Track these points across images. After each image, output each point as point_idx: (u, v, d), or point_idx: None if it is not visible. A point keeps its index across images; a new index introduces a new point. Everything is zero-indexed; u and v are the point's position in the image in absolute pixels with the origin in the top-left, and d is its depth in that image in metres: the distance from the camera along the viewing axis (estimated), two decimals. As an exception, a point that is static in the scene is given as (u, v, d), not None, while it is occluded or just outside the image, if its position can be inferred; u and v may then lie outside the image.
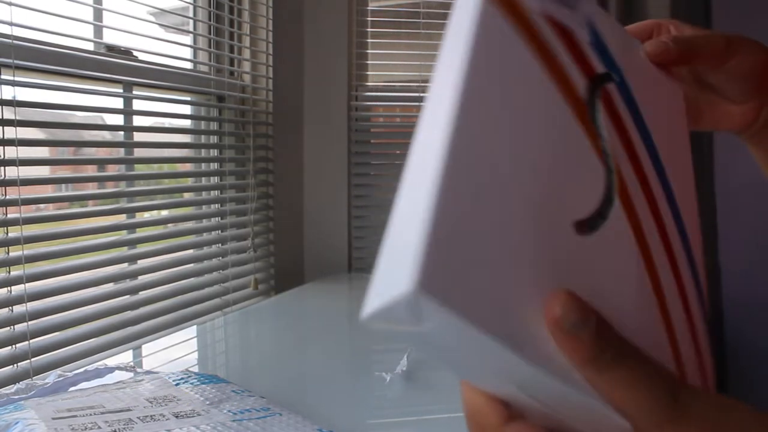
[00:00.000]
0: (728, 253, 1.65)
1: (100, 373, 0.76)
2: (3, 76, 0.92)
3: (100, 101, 1.16)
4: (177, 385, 0.69)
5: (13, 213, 0.94)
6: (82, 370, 0.76)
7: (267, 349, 1.05)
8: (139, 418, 0.59)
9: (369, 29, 1.71)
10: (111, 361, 0.93)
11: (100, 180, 1.24)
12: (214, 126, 1.47)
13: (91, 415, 0.59)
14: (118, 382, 0.72)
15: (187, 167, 1.48)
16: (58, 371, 0.75)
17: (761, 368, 1.61)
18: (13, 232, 0.94)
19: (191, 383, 0.69)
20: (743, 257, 1.64)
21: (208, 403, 0.63)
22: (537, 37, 0.26)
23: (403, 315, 0.20)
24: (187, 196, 1.41)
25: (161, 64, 1.27)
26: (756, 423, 0.25)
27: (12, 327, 0.94)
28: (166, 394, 0.66)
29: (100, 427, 0.56)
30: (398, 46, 1.78)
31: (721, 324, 1.68)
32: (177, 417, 0.59)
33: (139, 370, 0.77)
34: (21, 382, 0.70)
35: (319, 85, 1.68)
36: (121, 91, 1.19)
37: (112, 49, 1.17)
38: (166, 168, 1.41)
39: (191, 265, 1.35)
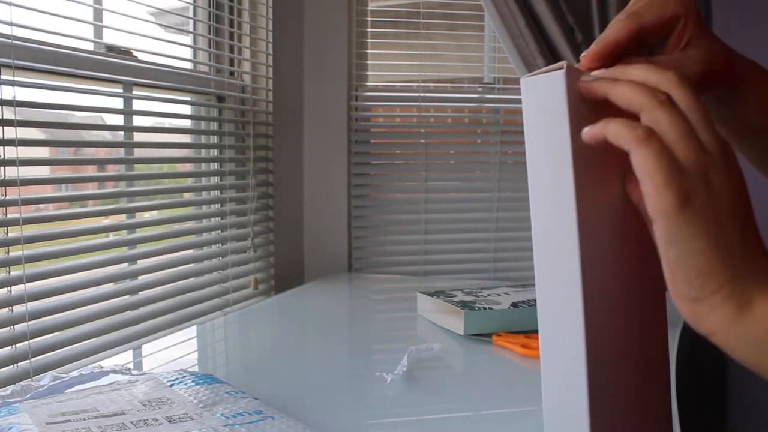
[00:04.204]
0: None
1: (95, 376, 0.75)
2: (3, 76, 0.92)
3: (100, 101, 1.16)
4: (171, 386, 0.69)
5: (13, 213, 0.94)
6: (77, 372, 0.75)
7: (267, 350, 1.05)
8: (132, 422, 0.58)
9: (369, 29, 1.71)
10: (111, 361, 0.93)
11: (100, 180, 1.24)
12: (214, 126, 1.47)
13: (84, 419, 0.59)
14: (112, 383, 0.71)
15: (187, 167, 1.48)
16: (53, 373, 0.74)
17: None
18: (13, 232, 0.94)
19: (186, 384, 0.69)
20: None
21: (201, 406, 0.63)
22: None
23: None
24: (187, 196, 1.41)
25: (161, 64, 1.27)
26: None
27: (12, 327, 0.94)
28: (160, 396, 0.66)
29: None
30: (398, 46, 1.78)
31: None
32: (170, 422, 0.59)
33: (134, 372, 0.77)
34: (17, 384, 0.70)
35: (319, 85, 1.68)
36: (121, 91, 1.19)
37: (112, 49, 1.17)
38: (166, 168, 1.41)
39: (191, 265, 1.35)
